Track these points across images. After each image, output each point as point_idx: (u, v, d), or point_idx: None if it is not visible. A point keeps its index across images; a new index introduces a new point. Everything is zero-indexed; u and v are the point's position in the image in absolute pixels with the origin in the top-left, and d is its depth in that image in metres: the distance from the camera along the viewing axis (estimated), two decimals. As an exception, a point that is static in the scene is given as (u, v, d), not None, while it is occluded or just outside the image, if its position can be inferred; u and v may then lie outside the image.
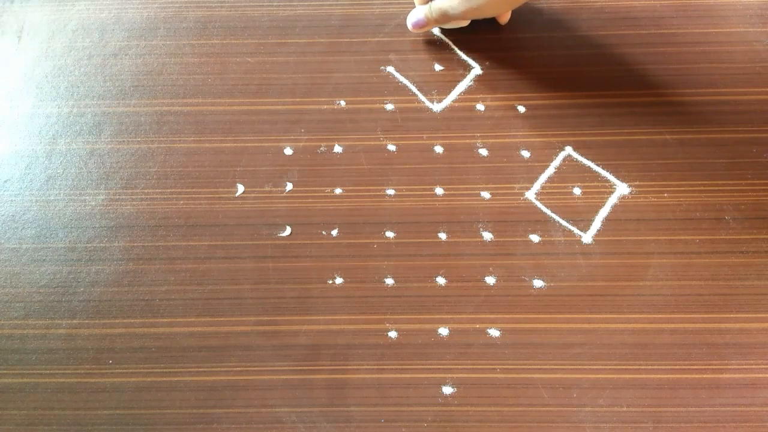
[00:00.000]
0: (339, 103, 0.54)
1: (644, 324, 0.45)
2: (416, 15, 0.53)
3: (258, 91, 0.54)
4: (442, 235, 0.48)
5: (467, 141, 0.52)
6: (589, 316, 0.45)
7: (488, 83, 0.54)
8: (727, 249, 0.47)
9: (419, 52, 0.56)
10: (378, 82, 0.54)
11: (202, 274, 0.48)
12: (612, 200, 0.49)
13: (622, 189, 0.49)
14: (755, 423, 0.42)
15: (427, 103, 0.53)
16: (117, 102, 0.54)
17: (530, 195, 0.49)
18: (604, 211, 0.49)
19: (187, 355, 0.45)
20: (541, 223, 0.48)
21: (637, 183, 0.49)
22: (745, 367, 0.43)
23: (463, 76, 0.54)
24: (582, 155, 0.51)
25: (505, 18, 0.56)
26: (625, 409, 0.43)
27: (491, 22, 0.56)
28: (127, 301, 0.47)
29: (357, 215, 0.49)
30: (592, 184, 0.50)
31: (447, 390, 0.44)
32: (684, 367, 0.44)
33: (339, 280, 0.47)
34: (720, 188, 0.49)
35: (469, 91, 0.54)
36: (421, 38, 0.56)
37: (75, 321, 0.46)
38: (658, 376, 0.43)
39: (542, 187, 0.50)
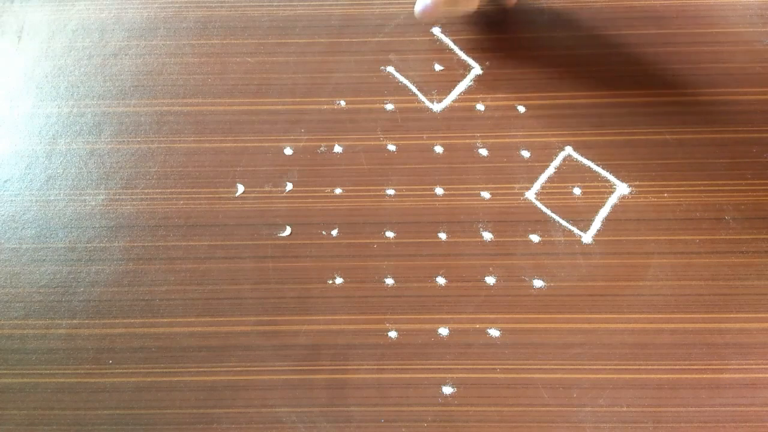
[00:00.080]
0: (339, 103, 0.54)
1: (644, 324, 0.45)
2: (423, 1, 0.52)
3: (258, 91, 0.54)
4: (442, 235, 0.48)
5: (467, 141, 0.52)
6: (589, 316, 0.45)
7: (488, 83, 0.54)
8: (727, 249, 0.47)
9: (419, 52, 0.56)
10: (378, 82, 0.54)
11: (202, 274, 0.48)
12: (612, 200, 0.49)
13: (622, 189, 0.49)
14: (755, 423, 0.42)
15: (427, 103, 0.53)
16: (117, 102, 0.54)
17: (530, 195, 0.49)
18: (604, 211, 0.49)
19: (187, 355, 0.45)
20: (541, 223, 0.48)
21: (637, 183, 0.49)
22: (745, 367, 0.43)
23: (463, 76, 0.54)
24: (582, 155, 0.51)
25: (512, 0, 0.55)
26: (625, 409, 0.43)
27: (491, 22, 0.56)
28: (127, 301, 0.47)
29: (357, 215, 0.49)
30: (592, 184, 0.50)
31: (447, 390, 0.44)
32: (684, 367, 0.44)
33: (339, 280, 0.47)
34: (720, 188, 0.49)
35: (469, 91, 0.54)
36: (421, 38, 0.56)
37: (75, 321, 0.46)
38: (658, 376, 0.43)
39: (542, 187, 0.50)
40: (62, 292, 0.47)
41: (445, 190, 0.50)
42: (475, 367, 0.44)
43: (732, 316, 0.45)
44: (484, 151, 0.51)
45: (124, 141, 0.53)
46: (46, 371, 0.45)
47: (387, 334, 0.45)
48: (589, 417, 0.42)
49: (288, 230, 0.49)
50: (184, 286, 0.47)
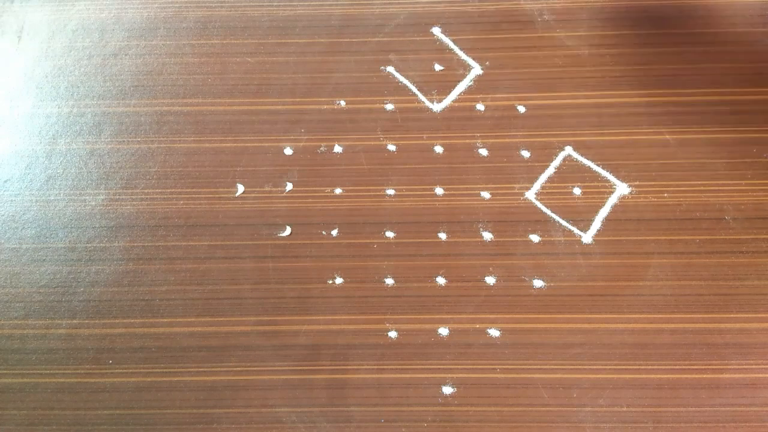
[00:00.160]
0: (339, 103, 0.54)
1: (644, 324, 0.45)
2: None
3: (258, 91, 0.54)
4: (442, 235, 0.48)
5: (467, 141, 0.52)
6: (589, 316, 0.45)
7: (488, 83, 0.54)
8: (727, 249, 0.47)
9: (419, 52, 0.56)
10: (378, 82, 0.54)
11: (202, 274, 0.48)
12: (612, 200, 0.49)
13: (622, 189, 0.49)
14: (755, 423, 0.42)
15: (427, 103, 0.53)
16: (117, 102, 0.54)
17: (530, 195, 0.49)
18: (604, 211, 0.49)
19: (187, 355, 0.45)
20: (541, 223, 0.48)
21: (637, 183, 0.49)
22: (745, 367, 0.43)
23: (463, 76, 0.54)
24: (582, 155, 0.51)
25: None
26: (625, 409, 0.43)
27: (491, 22, 0.56)
28: (127, 301, 0.47)
29: (357, 215, 0.49)
30: (592, 184, 0.50)
31: (447, 390, 0.44)
32: (684, 367, 0.44)
33: (339, 280, 0.47)
34: (720, 188, 0.49)
35: (469, 91, 0.54)
36: (421, 38, 0.56)
37: (75, 321, 0.46)
38: (658, 376, 0.43)
39: (542, 187, 0.50)
40: (62, 292, 0.47)
41: (445, 190, 0.50)
42: (475, 367, 0.44)
43: (732, 316, 0.45)
44: (484, 151, 0.51)
45: (124, 141, 0.53)
46: (46, 371, 0.45)
47: (387, 334, 0.45)
48: (589, 417, 0.42)
49: (288, 230, 0.49)
50: (184, 286, 0.47)
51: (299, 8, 0.58)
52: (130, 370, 0.45)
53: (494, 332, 0.45)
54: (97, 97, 0.55)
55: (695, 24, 0.56)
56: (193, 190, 0.51)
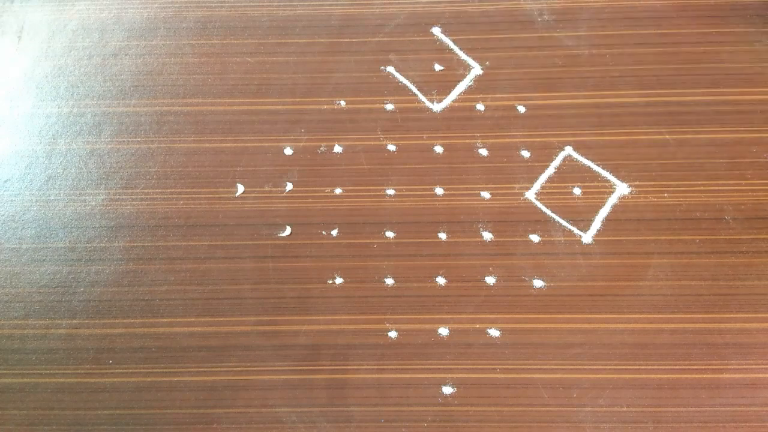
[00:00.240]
0: (339, 103, 0.54)
1: (644, 324, 0.45)
2: None
3: (258, 91, 0.54)
4: (442, 235, 0.48)
5: (467, 141, 0.52)
6: (589, 316, 0.45)
7: (488, 83, 0.54)
8: (727, 249, 0.47)
9: (419, 52, 0.56)
10: (378, 82, 0.54)
11: (202, 274, 0.48)
12: (612, 200, 0.49)
13: (622, 189, 0.49)
14: (755, 423, 0.42)
15: (427, 103, 0.53)
16: (117, 102, 0.54)
17: (530, 195, 0.49)
18: (604, 211, 0.49)
19: (187, 355, 0.45)
20: (541, 223, 0.48)
21: (637, 183, 0.49)
22: (745, 367, 0.43)
23: (463, 76, 0.54)
24: (582, 155, 0.51)
25: None
26: (625, 409, 0.43)
27: (491, 22, 0.56)
28: (127, 301, 0.47)
29: (357, 215, 0.49)
30: (592, 184, 0.50)
31: (447, 390, 0.44)
32: (684, 367, 0.44)
33: (339, 280, 0.47)
34: (720, 188, 0.49)
35: (469, 91, 0.54)
36: (421, 38, 0.56)
37: (75, 321, 0.46)
38: (658, 376, 0.43)
39: (542, 187, 0.50)
40: (62, 292, 0.47)
41: (445, 190, 0.50)
42: (475, 367, 0.44)
43: (732, 316, 0.45)
44: (484, 151, 0.51)
45: (124, 141, 0.53)
46: (46, 371, 0.45)
47: (387, 334, 0.45)
48: (589, 417, 0.42)
49: (288, 230, 0.49)
50: (184, 286, 0.47)
51: (299, 8, 0.58)
52: (130, 370, 0.45)
53: (494, 332, 0.45)
54: (97, 97, 0.55)
55: (695, 24, 0.56)
56: (193, 190, 0.51)
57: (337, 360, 0.45)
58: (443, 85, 0.54)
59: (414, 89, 0.54)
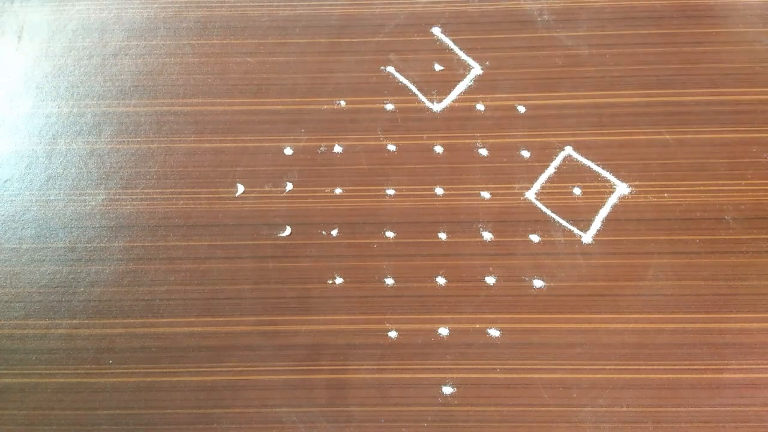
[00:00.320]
0: (339, 103, 0.54)
1: (644, 324, 0.45)
2: None
3: (258, 91, 0.54)
4: (442, 235, 0.48)
5: (467, 141, 0.52)
6: (589, 316, 0.45)
7: (488, 83, 0.54)
8: (727, 249, 0.47)
9: (419, 52, 0.56)
10: (378, 82, 0.54)
11: (202, 274, 0.48)
12: (612, 200, 0.49)
13: (622, 189, 0.49)
14: (755, 423, 0.42)
15: (427, 103, 0.53)
16: (117, 102, 0.54)
17: (530, 195, 0.49)
18: (604, 211, 0.49)
19: (187, 355, 0.45)
20: (541, 223, 0.48)
21: (637, 183, 0.49)
22: (745, 367, 0.43)
23: (463, 76, 0.54)
24: (582, 155, 0.51)
25: None
26: (625, 409, 0.43)
27: (491, 22, 0.56)
28: (127, 301, 0.47)
29: (357, 215, 0.49)
30: (592, 184, 0.50)
31: (447, 390, 0.44)
32: (684, 367, 0.44)
33: (339, 280, 0.47)
34: (720, 188, 0.49)
35: (469, 91, 0.54)
36: (421, 38, 0.56)
37: (75, 321, 0.46)
38: (658, 376, 0.43)
39: (542, 187, 0.50)
40: (62, 292, 0.47)
41: (445, 190, 0.50)
42: (475, 367, 0.44)
43: (732, 316, 0.45)
44: (484, 151, 0.51)
45: (124, 141, 0.53)
46: (46, 371, 0.45)
47: (387, 334, 0.45)
48: (589, 417, 0.42)
49: (288, 230, 0.49)
50: (184, 286, 0.47)
51: (299, 8, 0.58)
52: (130, 370, 0.45)
53: (494, 332, 0.45)
54: (97, 97, 0.55)
55: (695, 24, 0.56)
56: (193, 190, 0.51)
57: (337, 360, 0.45)
58: (443, 85, 0.54)
59: (414, 89, 0.54)
